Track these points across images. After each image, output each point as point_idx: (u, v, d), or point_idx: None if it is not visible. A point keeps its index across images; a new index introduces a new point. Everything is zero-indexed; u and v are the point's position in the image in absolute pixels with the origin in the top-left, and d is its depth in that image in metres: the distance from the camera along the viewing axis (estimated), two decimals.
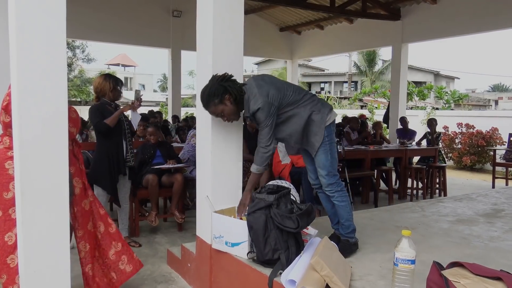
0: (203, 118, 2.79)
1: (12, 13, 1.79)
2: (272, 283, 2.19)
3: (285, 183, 3.20)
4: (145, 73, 40.64)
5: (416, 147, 6.96)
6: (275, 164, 4.66)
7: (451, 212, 3.94)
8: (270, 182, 3.07)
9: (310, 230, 2.67)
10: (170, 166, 4.40)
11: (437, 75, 29.31)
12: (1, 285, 2.27)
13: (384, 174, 6.49)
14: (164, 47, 9.96)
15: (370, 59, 25.54)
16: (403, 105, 9.12)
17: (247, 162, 3.94)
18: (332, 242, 2.46)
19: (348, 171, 5.21)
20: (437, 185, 6.77)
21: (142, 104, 3.93)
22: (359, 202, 5.89)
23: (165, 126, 7.42)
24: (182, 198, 4.56)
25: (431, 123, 7.37)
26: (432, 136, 7.27)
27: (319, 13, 9.86)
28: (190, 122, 7.68)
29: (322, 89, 31.64)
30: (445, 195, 6.53)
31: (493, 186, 7.13)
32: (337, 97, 24.78)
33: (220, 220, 2.62)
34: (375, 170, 6.11)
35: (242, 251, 2.51)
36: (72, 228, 2.56)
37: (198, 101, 2.65)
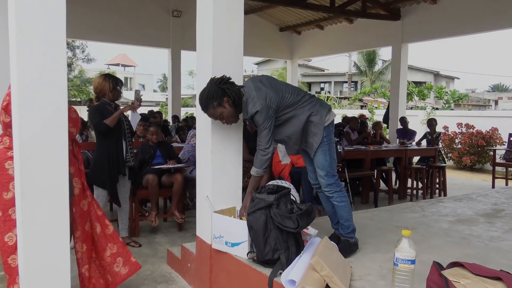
0: (203, 118, 2.79)
1: (12, 13, 1.79)
2: (272, 283, 2.19)
3: (285, 183, 3.20)
4: (145, 73, 40.66)
5: (416, 147, 6.96)
6: (275, 164, 4.66)
7: (451, 212, 3.94)
8: (270, 182, 3.07)
9: (310, 230, 2.67)
10: (170, 166, 4.40)
11: (437, 75, 29.32)
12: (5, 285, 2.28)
13: (384, 174, 6.49)
14: (164, 47, 9.97)
15: (370, 59, 25.55)
16: (403, 105, 9.12)
17: (247, 163, 3.94)
18: (332, 242, 2.46)
19: (348, 171, 5.22)
20: (437, 185, 6.77)
21: (142, 104, 3.93)
22: (359, 202, 5.89)
23: (165, 126, 7.42)
24: (182, 198, 4.56)
25: (431, 123, 7.37)
26: (432, 136, 7.27)
27: (319, 13, 9.86)
28: (190, 122, 7.68)
29: (322, 89, 31.64)
30: (445, 195, 6.53)
31: (493, 186, 7.13)
32: (337, 97, 24.78)
33: (220, 220, 2.62)
34: (375, 170, 6.11)
35: (242, 251, 2.51)
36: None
37: (198, 102, 2.65)
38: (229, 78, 2.53)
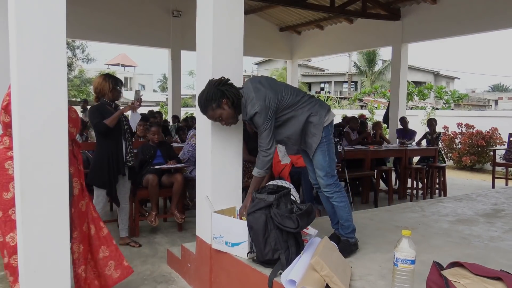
0: (203, 118, 2.78)
1: (12, 13, 1.79)
2: (272, 283, 2.19)
3: (285, 183, 3.20)
4: (145, 73, 40.68)
5: (416, 147, 6.96)
6: (274, 164, 4.66)
7: (451, 212, 3.94)
8: (270, 182, 3.07)
9: (310, 230, 2.67)
10: (170, 166, 4.41)
11: (437, 75, 29.32)
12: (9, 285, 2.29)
13: (384, 174, 6.49)
14: (164, 47, 9.97)
15: (370, 59, 25.55)
16: (403, 105, 9.12)
17: (246, 163, 3.94)
18: (332, 242, 2.46)
19: (348, 171, 5.22)
20: (437, 185, 6.77)
21: (142, 104, 3.93)
22: (359, 202, 5.89)
23: (165, 126, 7.42)
24: (182, 198, 4.56)
25: (431, 123, 7.37)
26: (432, 136, 7.27)
27: (319, 13, 9.86)
28: (190, 122, 7.68)
29: (322, 89, 31.64)
30: (445, 195, 6.53)
31: (493, 186, 7.13)
32: (337, 97, 24.77)
33: (220, 220, 2.62)
34: (375, 170, 6.10)
35: (242, 251, 2.51)
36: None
37: (197, 104, 2.65)
38: (228, 80, 2.53)
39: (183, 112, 13.71)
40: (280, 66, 25.80)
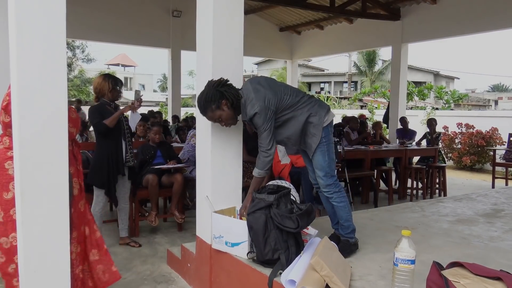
0: (203, 118, 2.78)
1: (12, 13, 1.79)
2: (272, 283, 2.19)
3: (285, 183, 3.20)
4: (145, 73, 40.68)
5: (416, 147, 6.96)
6: (274, 164, 4.66)
7: (451, 212, 3.94)
8: (270, 182, 3.07)
9: (310, 230, 2.67)
10: (170, 166, 4.40)
11: (437, 75, 29.32)
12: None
13: (384, 174, 6.49)
14: (164, 47, 9.97)
15: (370, 59, 25.54)
16: (403, 105, 9.13)
17: (246, 163, 3.94)
18: (332, 242, 2.46)
19: (348, 171, 5.22)
20: (437, 185, 6.77)
21: (142, 104, 3.93)
22: (359, 202, 5.89)
23: (165, 126, 7.42)
24: (182, 198, 4.56)
25: (431, 123, 7.37)
26: (432, 136, 7.27)
27: (319, 13, 9.87)
28: (190, 122, 7.69)
29: (322, 89, 31.64)
30: (445, 195, 6.53)
31: (493, 186, 7.13)
32: (337, 97, 24.76)
33: (220, 220, 2.63)
34: (375, 170, 6.10)
35: (242, 251, 2.51)
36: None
37: (197, 105, 2.65)
38: (227, 81, 2.53)
39: (183, 112, 13.72)
40: (280, 66, 25.80)
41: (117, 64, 37.58)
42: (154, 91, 38.29)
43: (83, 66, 24.83)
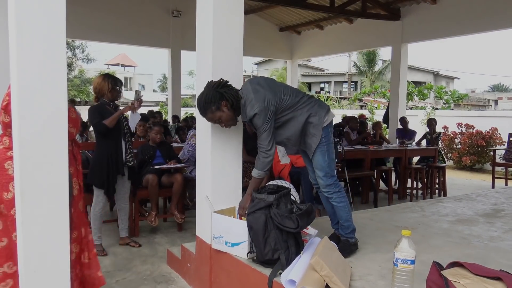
0: (202, 118, 2.78)
1: (12, 13, 1.78)
2: (272, 283, 2.19)
3: (285, 183, 3.20)
4: (145, 73, 40.67)
5: (415, 147, 6.97)
6: (274, 163, 4.66)
7: (451, 212, 3.94)
8: (270, 182, 3.07)
9: (310, 230, 2.67)
10: (170, 166, 4.40)
11: (436, 75, 29.33)
12: None
13: (384, 174, 6.49)
14: (164, 47, 9.96)
15: (370, 59, 25.54)
16: (403, 105, 9.13)
17: (245, 163, 3.93)
18: (332, 242, 2.46)
19: (348, 171, 5.22)
20: (437, 185, 6.77)
21: (142, 104, 3.93)
22: (359, 202, 5.89)
23: (165, 126, 7.41)
24: (182, 198, 4.56)
25: (431, 123, 7.37)
26: (432, 136, 7.27)
27: (319, 13, 9.86)
28: (190, 122, 7.68)
29: (322, 89, 31.64)
30: (444, 195, 6.54)
31: (493, 186, 7.13)
32: (337, 97, 24.76)
33: (220, 220, 2.62)
34: (375, 170, 6.11)
35: (242, 251, 2.51)
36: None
37: (196, 106, 2.64)
38: (227, 82, 2.53)
39: (183, 112, 13.71)
40: (280, 66, 25.80)
41: (117, 64, 37.58)
42: (154, 91, 38.29)
43: (83, 66, 24.83)
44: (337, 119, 8.60)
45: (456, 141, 10.33)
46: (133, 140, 3.99)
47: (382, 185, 6.46)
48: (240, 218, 2.64)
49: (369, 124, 9.62)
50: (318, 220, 3.19)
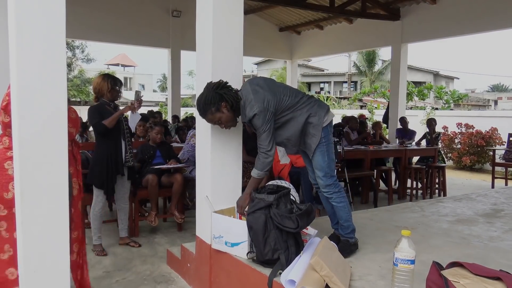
0: (202, 119, 2.79)
1: (12, 13, 1.78)
2: (272, 283, 2.19)
3: (285, 183, 3.20)
4: (145, 73, 40.66)
5: (415, 147, 6.97)
6: (274, 163, 4.66)
7: (450, 212, 3.94)
8: (270, 182, 3.07)
9: (310, 230, 2.67)
10: (170, 166, 4.40)
11: (436, 75, 29.33)
12: None
13: (383, 174, 6.49)
14: (164, 47, 9.96)
15: (370, 59, 25.54)
16: (403, 105, 9.13)
17: (245, 163, 3.93)
18: (332, 242, 2.46)
19: (347, 171, 5.22)
20: (437, 185, 6.78)
21: (142, 104, 3.93)
22: (359, 202, 5.89)
23: (164, 126, 7.41)
24: (181, 198, 4.56)
25: (431, 123, 7.38)
26: (432, 136, 7.27)
27: (318, 13, 9.86)
28: (190, 122, 7.68)
29: (322, 89, 31.65)
30: (444, 195, 6.54)
31: (493, 186, 7.13)
32: (337, 97, 24.77)
33: (220, 220, 2.62)
34: (375, 170, 6.11)
35: (241, 251, 2.51)
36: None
37: (196, 107, 2.64)
38: (226, 83, 2.53)
39: (183, 112, 13.72)
40: (280, 66, 25.79)
41: (117, 64, 37.57)
42: (154, 91, 38.28)
43: (83, 66, 24.82)
44: (337, 119, 8.61)
45: (456, 141, 10.34)
46: (133, 140, 3.99)
47: (382, 185, 6.46)
48: (240, 218, 2.64)
49: (369, 124, 9.62)
50: (318, 220, 3.19)
